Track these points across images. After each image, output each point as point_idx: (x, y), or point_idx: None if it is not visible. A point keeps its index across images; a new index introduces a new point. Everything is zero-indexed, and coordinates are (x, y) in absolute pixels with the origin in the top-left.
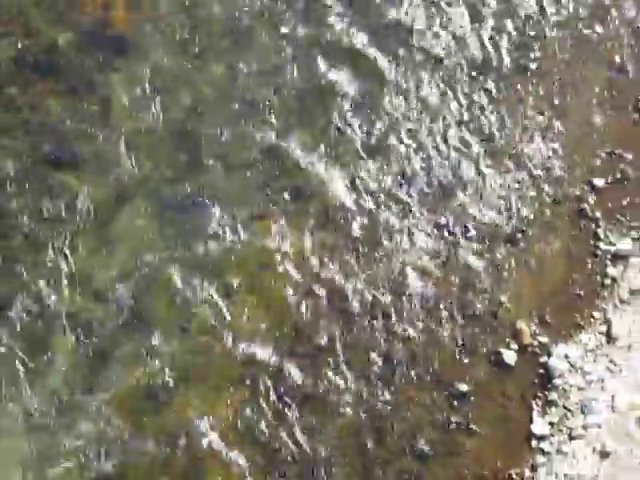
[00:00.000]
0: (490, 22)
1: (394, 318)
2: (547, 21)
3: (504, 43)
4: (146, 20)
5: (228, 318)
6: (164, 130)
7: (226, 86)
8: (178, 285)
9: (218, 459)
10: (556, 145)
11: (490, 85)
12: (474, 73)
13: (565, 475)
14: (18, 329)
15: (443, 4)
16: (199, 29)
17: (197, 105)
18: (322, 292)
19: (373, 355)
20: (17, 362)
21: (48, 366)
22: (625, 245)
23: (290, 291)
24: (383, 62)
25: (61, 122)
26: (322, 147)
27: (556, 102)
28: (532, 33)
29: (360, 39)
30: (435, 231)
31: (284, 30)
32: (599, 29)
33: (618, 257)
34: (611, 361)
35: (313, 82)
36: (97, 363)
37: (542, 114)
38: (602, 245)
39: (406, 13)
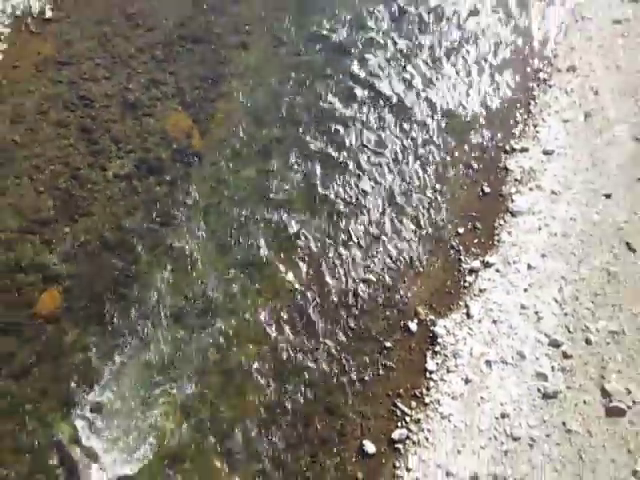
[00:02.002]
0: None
1: (347, 311)
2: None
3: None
4: (213, 144)
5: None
6: (222, 206)
7: (256, 183)
8: (231, 293)
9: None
10: (439, 212)
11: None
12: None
13: (445, 392)
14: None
15: None
16: (243, 148)
17: (241, 193)
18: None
19: (336, 326)
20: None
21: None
22: (476, 264)
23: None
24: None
25: (162, 198)
26: (317, 218)
27: (438, 186)
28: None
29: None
30: (370, 262)
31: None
32: (463, 148)
33: (472, 271)
34: (469, 328)
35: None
36: (187, 337)
37: (426, 193)
38: (463, 265)
39: None
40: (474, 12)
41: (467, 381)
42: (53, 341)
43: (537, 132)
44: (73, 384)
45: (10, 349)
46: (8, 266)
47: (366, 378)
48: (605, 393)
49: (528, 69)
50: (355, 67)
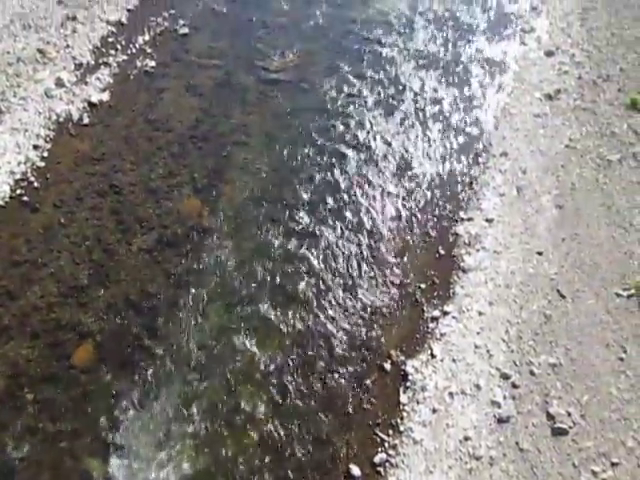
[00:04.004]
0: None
1: (332, 356)
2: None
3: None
4: (219, 221)
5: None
6: (227, 271)
7: (254, 251)
8: (236, 343)
9: None
10: (405, 272)
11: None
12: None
13: (416, 421)
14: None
15: None
16: (243, 224)
17: (243, 260)
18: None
19: (323, 369)
20: None
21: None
22: (436, 313)
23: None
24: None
25: (178, 267)
26: (306, 281)
27: (403, 251)
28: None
29: None
30: (350, 315)
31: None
32: (421, 220)
33: (433, 319)
34: (434, 366)
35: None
36: (199, 381)
37: (394, 257)
38: (426, 314)
39: None
40: (438, 100)
41: (434, 410)
42: (86, 388)
43: (480, 204)
44: (103, 425)
45: (49, 395)
46: (49, 325)
47: (350, 411)
48: (549, 416)
49: (471, 155)
50: (334, 154)
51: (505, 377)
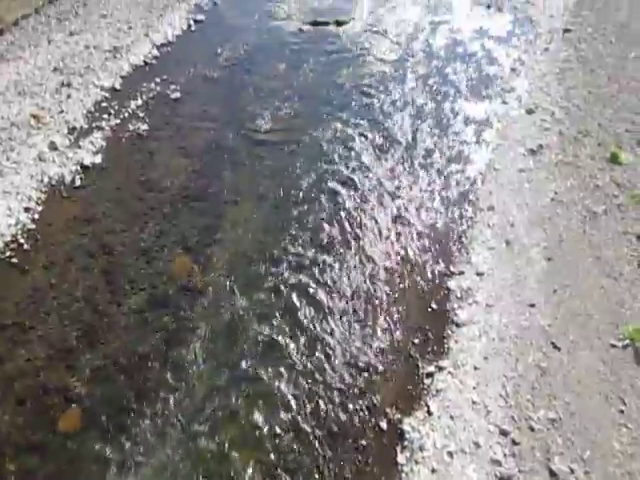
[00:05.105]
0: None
1: (328, 416)
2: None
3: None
4: (210, 280)
5: (251, 412)
6: (219, 331)
7: (247, 310)
8: (229, 403)
9: None
10: (398, 328)
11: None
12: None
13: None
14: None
15: None
16: (235, 283)
17: (234, 319)
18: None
19: (318, 429)
20: None
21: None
22: (431, 369)
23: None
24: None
25: (169, 327)
26: (298, 336)
27: (396, 308)
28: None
29: None
30: (344, 373)
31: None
32: (413, 277)
33: (429, 375)
34: (431, 424)
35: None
36: (192, 444)
37: (388, 315)
38: (421, 370)
39: None
40: (425, 157)
41: (433, 471)
42: (73, 456)
43: (470, 258)
44: None
45: (33, 465)
46: (35, 390)
47: (347, 474)
48: (552, 473)
49: (459, 210)
50: (323, 212)
51: (504, 433)
